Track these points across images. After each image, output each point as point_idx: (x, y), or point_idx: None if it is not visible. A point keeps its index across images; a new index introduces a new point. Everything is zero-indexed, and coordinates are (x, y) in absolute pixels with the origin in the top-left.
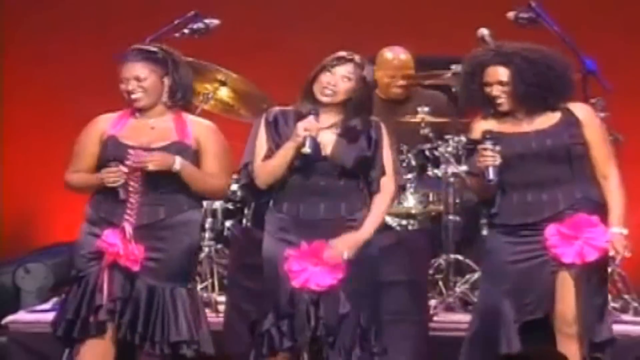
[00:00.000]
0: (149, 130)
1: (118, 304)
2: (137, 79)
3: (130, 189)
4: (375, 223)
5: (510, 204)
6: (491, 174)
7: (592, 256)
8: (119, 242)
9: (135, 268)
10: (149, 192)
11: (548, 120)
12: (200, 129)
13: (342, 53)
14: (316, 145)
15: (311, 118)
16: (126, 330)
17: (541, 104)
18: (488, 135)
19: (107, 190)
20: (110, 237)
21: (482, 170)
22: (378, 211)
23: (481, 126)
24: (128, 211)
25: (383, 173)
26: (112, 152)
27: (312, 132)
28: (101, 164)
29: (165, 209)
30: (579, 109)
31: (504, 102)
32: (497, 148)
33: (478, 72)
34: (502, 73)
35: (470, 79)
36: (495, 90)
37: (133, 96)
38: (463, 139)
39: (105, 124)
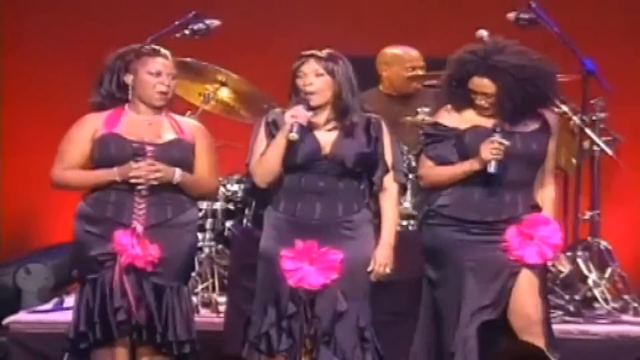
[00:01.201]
0: (146, 126)
1: (134, 304)
2: (173, 77)
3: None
4: (394, 228)
5: (469, 199)
6: (493, 168)
7: (549, 254)
8: (136, 243)
9: (150, 268)
10: (154, 192)
11: (530, 124)
12: (193, 128)
13: (303, 52)
14: (304, 131)
15: (299, 107)
16: (142, 330)
17: (524, 115)
18: (499, 129)
19: (108, 189)
20: (123, 239)
21: (483, 162)
22: (392, 215)
23: (456, 117)
24: (137, 211)
25: (387, 170)
26: (116, 149)
27: (299, 119)
28: (102, 162)
29: (171, 208)
30: (552, 118)
31: (488, 110)
32: (507, 143)
33: (464, 79)
34: (488, 85)
35: (456, 84)
36: (480, 100)
37: (162, 94)
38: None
39: (96, 122)
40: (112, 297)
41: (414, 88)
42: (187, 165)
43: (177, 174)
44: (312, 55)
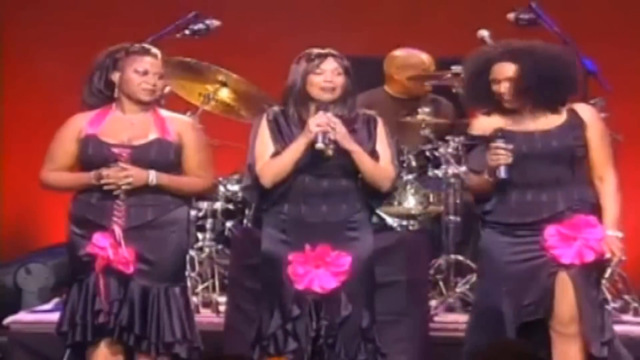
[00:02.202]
0: (129, 126)
1: (115, 305)
2: (161, 76)
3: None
4: (366, 156)
5: (508, 203)
6: (503, 173)
7: (590, 257)
8: (109, 247)
9: (128, 270)
10: (135, 193)
11: (553, 120)
12: (180, 125)
13: (318, 50)
14: (329, 140)
15: (321, 114)
16: (122, 332)
17: (547, 102)
18: (500, 133)
19: (91, 191)
20: (100, 241)
21: (492, 169)
22: (372, 160)
23: (484, 122)
24: (116, 213)
25: (377, 158)
26: (94, 151)
27: (323, 127)
28: (83, 163)
29: (152, 209)
30: (584, 110)
31: (511, 100)
32: (510, 146)
33: (485, 69)
34: (510, 69)
35: (477, 76)
36: (503, 87)
37: (148, 92)
38: (464, 139)
39: (81, 122)
40: (92, 299)
41: (424, 92)
42: (168, 166)
43: (152, 176)
44: (329, 54)
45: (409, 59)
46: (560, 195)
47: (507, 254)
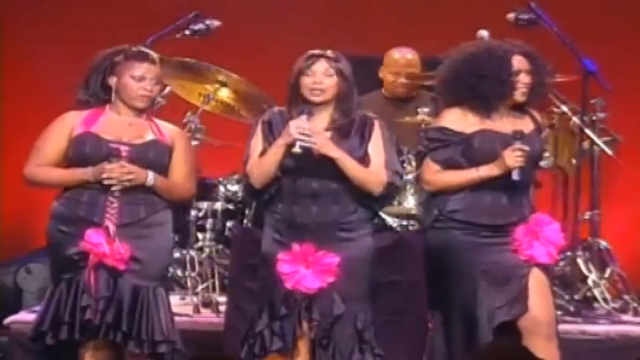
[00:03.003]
0: (126, 126)
1: (102, 303)
2: (157, 81)
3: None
4: (350, 161)
5: (481, 203)
6: (517, 175)
7: (555, 253)
8: (104, 242)
9: (122, 267)
10: (127, 191)
11: (525, 124)
12: (173, 131)
13: (312, 52)
14: (307, 147)
15: (303, 117)
16: (108, 330)
17: (540, 102)
18: (519, 135)
19: (80, 188)
20: (94, 237)
21: (506, 169)
22: (358, 165)
23: (460, 119)
24: (110, 210)
25: (367, 165)
26: (92, 148)
27: (301, 132)
28: (76, 161)
29: (144, 208)
30: (538, 116)
31: (525, 92)
32: (528, 149)
33: (508, 60)
34: (526, 62)
35: (504, 67)
36: (526, 78)
37: (144, 97)
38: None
39: (74, 120)
40: (82, 297)
41: (403, 92)
42: (162, 167)
43: (150, 176)
44: (322, 55)
45: (390, 57)
46: (525, 199)
47: (478, 256)
